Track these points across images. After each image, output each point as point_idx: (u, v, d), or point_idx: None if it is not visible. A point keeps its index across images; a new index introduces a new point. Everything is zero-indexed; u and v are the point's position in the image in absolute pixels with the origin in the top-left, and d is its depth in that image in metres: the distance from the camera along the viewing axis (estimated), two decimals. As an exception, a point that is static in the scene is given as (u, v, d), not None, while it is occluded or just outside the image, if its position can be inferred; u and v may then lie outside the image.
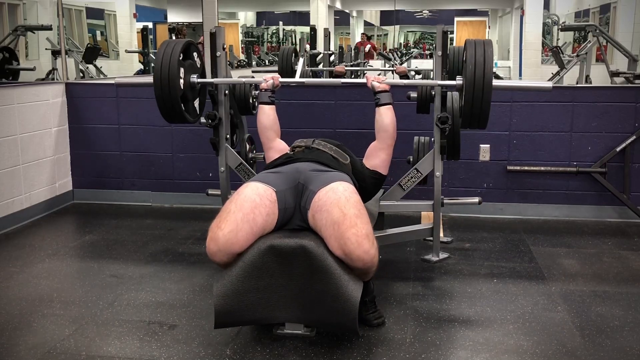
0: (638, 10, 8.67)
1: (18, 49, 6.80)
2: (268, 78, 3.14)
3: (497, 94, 4.32)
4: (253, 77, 3.66)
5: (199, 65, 3.27)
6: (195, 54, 3.25)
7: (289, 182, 2.58)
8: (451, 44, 14.89)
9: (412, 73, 8.67)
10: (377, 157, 3.06)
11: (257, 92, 3.28)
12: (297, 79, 3.35)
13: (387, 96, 3.07)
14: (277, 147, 3.09)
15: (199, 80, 3.22)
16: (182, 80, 3.04)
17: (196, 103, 3.26)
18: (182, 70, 3.05)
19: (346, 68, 6.29)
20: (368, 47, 11.03)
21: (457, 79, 3.00)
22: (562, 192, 4.26)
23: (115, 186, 4.74)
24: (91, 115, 4.69)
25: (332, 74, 6.14)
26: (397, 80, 3.17)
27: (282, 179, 2.60)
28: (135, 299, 2.93)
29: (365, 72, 9.10)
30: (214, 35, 3.33)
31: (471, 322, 2.68)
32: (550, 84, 3.08)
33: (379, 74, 3.26)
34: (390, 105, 3.08)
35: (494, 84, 2.87)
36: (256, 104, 3.38)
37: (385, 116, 3.06)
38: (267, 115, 3.12)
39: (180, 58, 3.04)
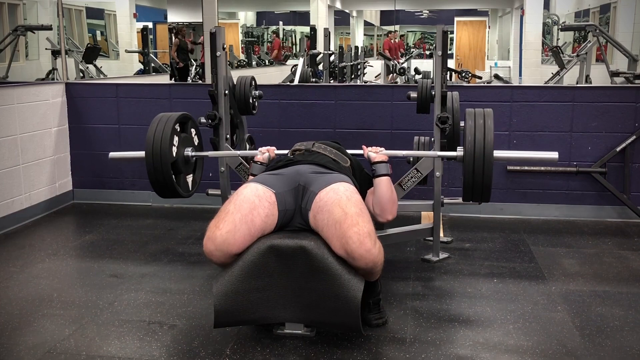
0: (638, 10, 8.67)
1: (18, 48, 6.81)
2: (264, 150, 3.00)
3: (497, 93, 4.34)
4: (253, 77, 3.65)
5: (196, 143, 3.23)
6: (193, 130, 3.22)
7: (289, 184, 2.58)
8: (451, 44, 14.91)
9: (412, 73, 8.69)
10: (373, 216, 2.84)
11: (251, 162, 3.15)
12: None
13: (384, 167, 2.84)
14: None
15: (194, 153, 3.16)
16: (174, 148, 3.01)
17: (189, 179, 3.21)
18: (176, 139, 3.02)
19: (348, 64, 6.15)
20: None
21: (457, 150, 2.98)
22: (562, 192, 4.26)
23: (115, 186, 4.74)
24: (91, 115, 4.69)
25: (332, 75, 6.12)
26: (394, 151, 3.07)
27: (282, 181, 2.60)
28: (135, 299, 2.93)
29: (364, 70, 9.11)
30: (214, 35, 3.33)
31: (471, 322, 2.68)
32: (555, 155, 2.94)
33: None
34: (388, 177, 2.84)
35: (495, 155, 2.85)
36: (245, 177, 3.33)
37: (380, 189, 2.80)
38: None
39: (178, 129, 3.04)
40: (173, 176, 3.02)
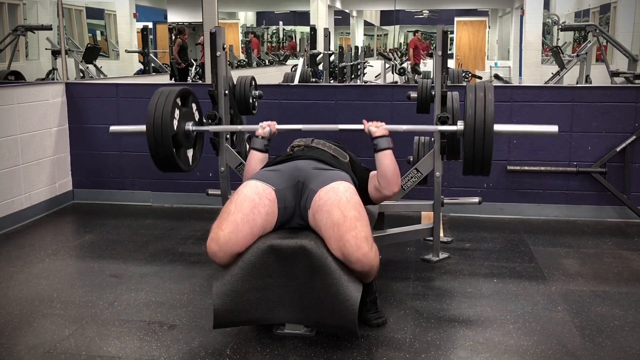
0: (638, 10, 8.67)
1: (18, 48, 6.81)
2: (265, 125, 3.00)
3: (497, 93, 4.32)
4: (253, 77, 3.65)
5: (197, 118, 3.23)
6: (194, 104, 3.22)
7: (289, 180, 2.58)
8: (451, 44, 14.92)
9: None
10: (375, 194, 2.88)
11: (250, 136, 3.15)
12: (294, 126, 3.22)
13: (385, 141, 2.84)
14: None
15: (194, 127, 3.16)
16: (175, 121, 3.00)
17: (190, 153, 3.20)
18: (177, 112, 3.02)
19: (348, 64, 6.15)
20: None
21: (458, 124, 2.99)
22: (562, 192, 4.26)
23: (115, 186, 4.74)
24: (91, 115, 4.69)
25: (332, 75, 6.14)
26: (395, 126, 3.06)
27: (282, 177, 2.59)
28: (135, 299, 2.93)
29: (364, 70, 9.12)
30: (214, 35, 3.34)
31: (471, 322, 2.68)
32: (555, 128, 2.99)
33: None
34: (390, 151, 2.83)
35: (496, 129, 2.88)
36: (247, 149, 3.33)
37: (383, 163, 2.80)
38: (260, 162, 2.92)
39: (179, 103, 3.03)
40: (174, 149, 3.02)
